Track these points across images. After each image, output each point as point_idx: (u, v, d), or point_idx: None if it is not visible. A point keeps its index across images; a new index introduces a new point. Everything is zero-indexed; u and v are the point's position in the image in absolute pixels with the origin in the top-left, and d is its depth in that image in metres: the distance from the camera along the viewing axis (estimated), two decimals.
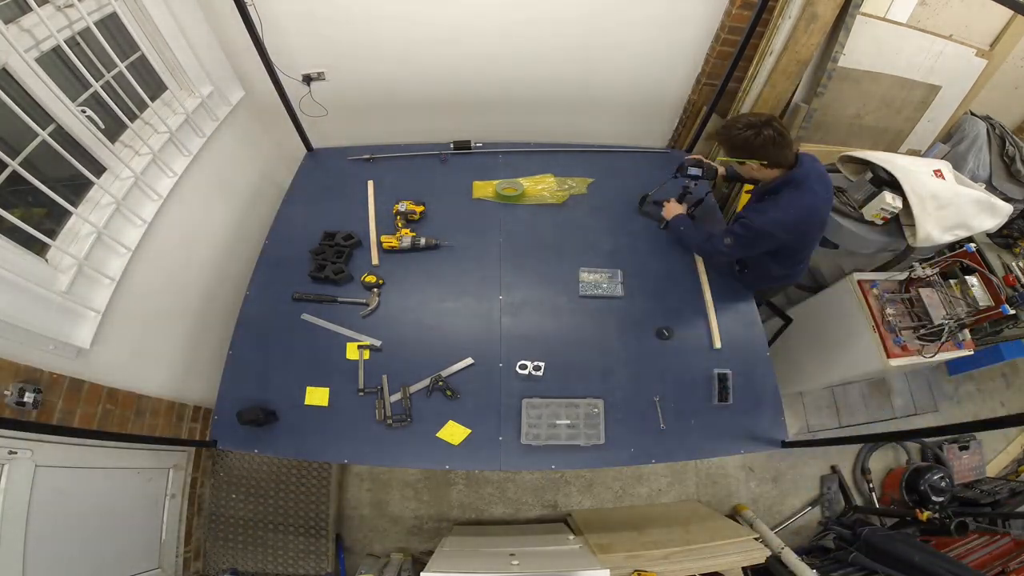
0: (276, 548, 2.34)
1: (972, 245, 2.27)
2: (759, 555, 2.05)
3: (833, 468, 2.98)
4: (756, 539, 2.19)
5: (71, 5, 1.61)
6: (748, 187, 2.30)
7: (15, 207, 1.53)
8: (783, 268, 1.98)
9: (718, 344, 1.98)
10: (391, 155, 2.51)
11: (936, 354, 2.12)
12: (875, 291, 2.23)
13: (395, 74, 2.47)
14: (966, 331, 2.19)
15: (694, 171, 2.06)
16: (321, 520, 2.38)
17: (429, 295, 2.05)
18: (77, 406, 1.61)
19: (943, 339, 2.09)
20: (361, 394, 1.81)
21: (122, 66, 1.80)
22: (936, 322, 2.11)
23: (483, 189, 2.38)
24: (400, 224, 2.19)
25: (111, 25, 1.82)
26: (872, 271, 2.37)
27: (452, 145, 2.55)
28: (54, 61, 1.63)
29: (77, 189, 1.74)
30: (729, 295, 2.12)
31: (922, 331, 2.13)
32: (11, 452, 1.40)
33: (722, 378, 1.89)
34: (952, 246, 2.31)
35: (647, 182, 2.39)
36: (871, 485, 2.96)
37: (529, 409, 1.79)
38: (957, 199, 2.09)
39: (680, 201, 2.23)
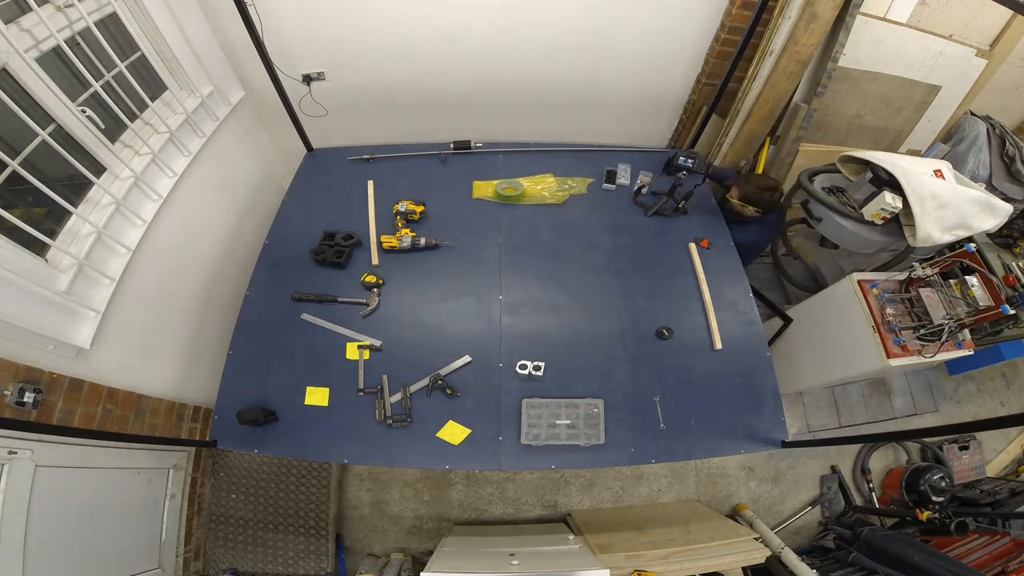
0: (276, 548, 2.34)
1: (972, 245, 2.26)
2: (759, 555, 2.04)
3: (833, 468, 2.98)
4: (756, 539, 2.19)
5: (71, 5, 1.61)
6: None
7: (15, 207, 1.53)
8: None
9: (718, 344, 1.98)
10: (391, 155, 2.51)
11: (936, 354, 2.12)
12: (875, 291, 2.23)
13: (395, 74, 2.47)
14: (966, 331, 2.19)
15: (685, 162, 2.15)
16: (321, 520, 2.38)
17: (429, 295, 2.05)
18: (77, 406, 1.61)
19: (943, 339, 2.09)
20: (361, 394, 1.81)
21: (122, 66, 1.80)
22: (936, 322, 2.11)
23: (483, 189, 2.38)
24: (400, 224, 2.19)
25: (111, 25, 1.82)
26: (872, 271, 2.37)
27: (452, 145, 2.55)
28: (54, 61, 1.63)
29: (77, 189, 1.74)
30: (729, 295, 2.12)
31: (922, 331, 2.13)
32: (11, 452, 1.40)
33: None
34: (952, 246, 2.31)
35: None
36: (871, 485, 2.96)
37: (529, 409, 1.79)
38: (957, 199, 2.08)
39: (670, 194, 2.32)
